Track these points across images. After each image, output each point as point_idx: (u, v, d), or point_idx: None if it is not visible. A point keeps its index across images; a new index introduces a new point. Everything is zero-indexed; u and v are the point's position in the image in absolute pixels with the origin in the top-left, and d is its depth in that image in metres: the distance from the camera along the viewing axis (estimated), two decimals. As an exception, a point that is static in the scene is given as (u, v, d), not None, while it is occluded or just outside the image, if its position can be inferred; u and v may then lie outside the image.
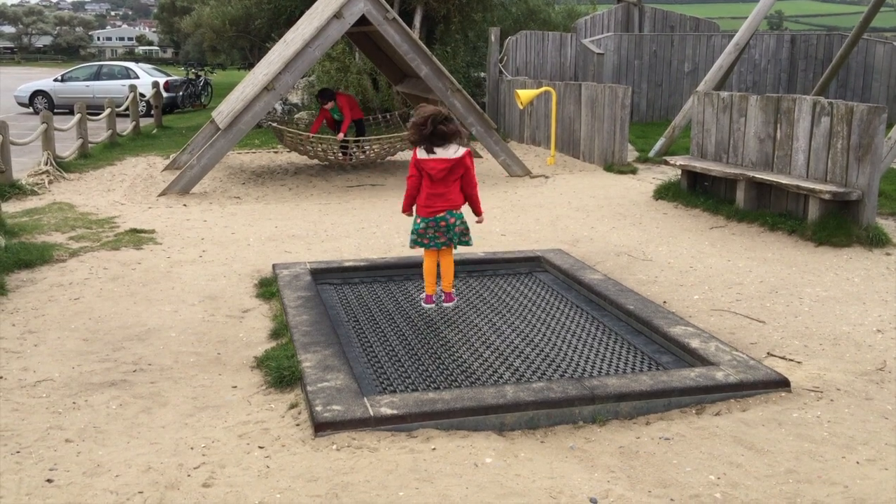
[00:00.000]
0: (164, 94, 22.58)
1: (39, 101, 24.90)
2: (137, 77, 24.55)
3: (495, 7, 22.09)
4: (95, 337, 5.49)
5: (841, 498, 3.52)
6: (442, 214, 5.67)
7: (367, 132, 14.01)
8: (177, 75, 28.22)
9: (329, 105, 12.70)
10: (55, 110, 22.01)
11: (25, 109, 25.12)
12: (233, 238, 8.36)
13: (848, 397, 4.53)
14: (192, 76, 27.34)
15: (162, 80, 23.94)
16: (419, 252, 7.66)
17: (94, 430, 4.14)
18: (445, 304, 5.89)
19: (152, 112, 20.51)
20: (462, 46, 19.47)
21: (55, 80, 25.83)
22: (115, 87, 23.80)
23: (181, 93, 25.80)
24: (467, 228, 5.81)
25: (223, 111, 12.79)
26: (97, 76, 25.57)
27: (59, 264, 7.22)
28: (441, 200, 5.64)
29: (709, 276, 6.90)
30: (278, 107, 19.75)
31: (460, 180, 5.66)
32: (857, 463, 3.82)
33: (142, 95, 20.92)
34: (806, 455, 3.90)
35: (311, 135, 12.43)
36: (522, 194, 10.79)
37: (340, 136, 12.35)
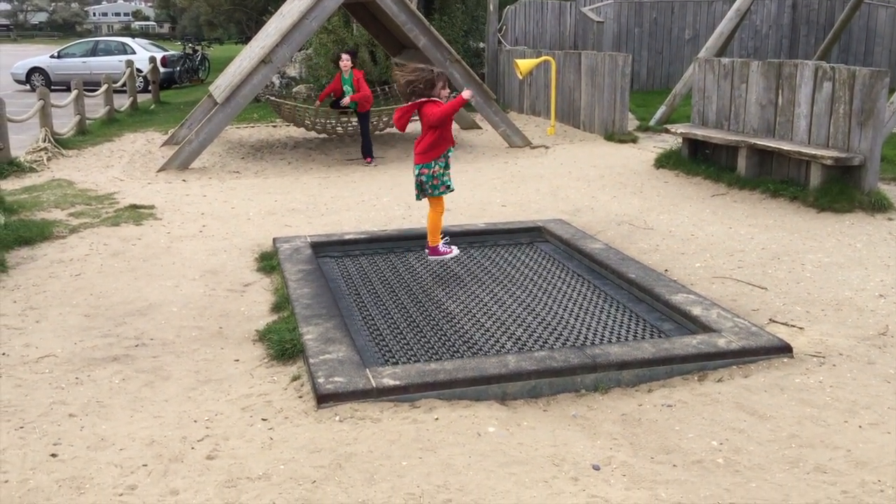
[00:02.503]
0: (162, 70, 22.43)
1: (36, 78, 24.75)
2: (134, 53, 24.38)
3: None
4: (97, 312, 5.50)
5: (843, 462, 3.53)
6: (416, 170, 5.99)
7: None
8: (174, 50, 28.03)
9: (347, 64, 11.03)
10: (52, 87, 21.87)
11: (22, 86, 24.98)
12: (232, 213, 8.34)
13: (850, 362, 4.53)
14: (189, 51, 27.15)
15: (159, 55, 23.77)
16: (418, 224, 7.67)
17: (97, 405, 4.15)
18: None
19: (149, 88, 20.39)
20: (460, 16, 19.29)
21: (52, 56, 25.67)
22: (111, 63, 23.63)
23: (178, 68, 25.64)
24: (432, 177, 5.89)
25: (220, 85, 12.70)
26: (94, 52, 25.40)
27: (59, 241, 7.21)
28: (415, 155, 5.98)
29: (710, 243, 6.88)
30: (276, 80, 19.62)
31: (430, 130, 5.83)
32: (860, 427, 3.83)
33: (139, 71, 20.79)
34: (808, 420, 3.90)
35: (308, 108, 12.35)
36: (523, 165, 10.74)
37: (347, 100, 11.12)
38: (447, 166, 5.93)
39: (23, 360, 4.73)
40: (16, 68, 25.63)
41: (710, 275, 6.09)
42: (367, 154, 11.39)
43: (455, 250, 6.04)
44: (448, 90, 5.87)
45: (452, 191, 6.04)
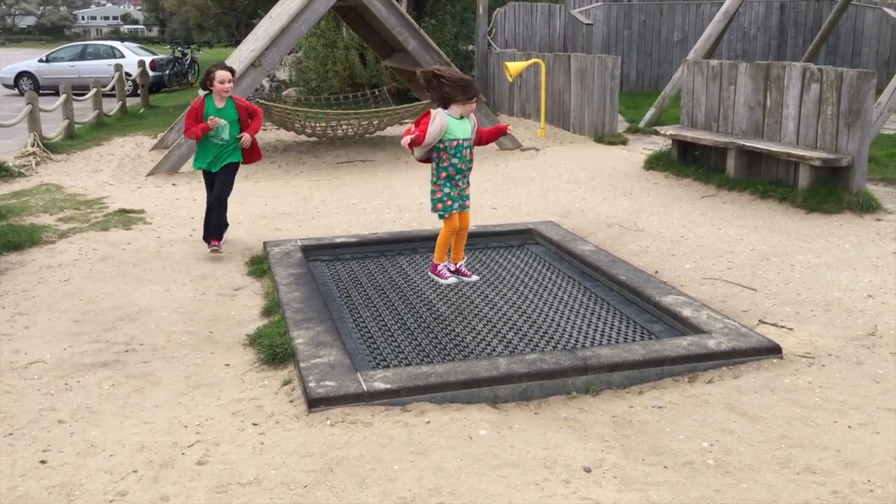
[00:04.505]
0: (151, 73, 22.37)
1: (24, 82, 24.64)
2: (123, 56, 24.31)
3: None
4: (86, 318, 5.47)
5: (833, 462, 3.54)
6: None
7: (355, 108, 13.87)
8: (163, 54, 27.95)
9: (227, 87, 6.81)
10: (40, 91, 21.76)
11: (10, 91, 24.86)
12: (223, 216, 8.31)
13: (839, 362, 4.55)
14: (178, 55, 27.09)
15: (148, 58, 23.70)
16: (409, 227, 7.65)
17: (86, 411, 4.14)
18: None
19: (138, 91, 20.33)
20: (450, 19, 19.31)
21: (40, 60, 25.55)
22: (100, 67, 23.55)
23: (167, 71, 25.58)
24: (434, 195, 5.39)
25: (210, 89, 12.67)
26: (82, 56, 25.30)
27: (48, 246, 7.18)
28: None
29: (700, 244, 6.90)
30: (266, 84, 19.61)
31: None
32: (849, 427, 3.84)
33: (128, 75, 20.72)
34: (798, 420, 3.92)
35: (299, 110, 12.34)
36: (513, 167, 10.75)
37: (246, 138, 6.88)
38: (451, 186, 5.27)
39: (12, 366, 4.70)
40: (4, 72, 25.49)
41: (700, 276, 6.11)
42: (220, 231, 7.06)
43: (451, 279, 5.50)
44: (474, 104, 5.23)
45: (443, 213, 5.34)
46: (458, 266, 5.56)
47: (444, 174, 5.24)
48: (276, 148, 13.10)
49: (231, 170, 7.01)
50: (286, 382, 4.41)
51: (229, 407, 4.16)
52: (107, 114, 16.53)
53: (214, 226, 7.00)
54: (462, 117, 5.22)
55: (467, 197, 5.38)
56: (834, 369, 4.47)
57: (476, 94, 5.22)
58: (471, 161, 5.32)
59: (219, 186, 7.03)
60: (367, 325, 5.26)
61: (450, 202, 5.28)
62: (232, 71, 6.89)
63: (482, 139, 5.41)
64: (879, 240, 6.84)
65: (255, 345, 4.92)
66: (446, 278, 5.43)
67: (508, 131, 5.47)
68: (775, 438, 3.76)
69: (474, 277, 5.63)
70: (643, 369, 4.42)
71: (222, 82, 6.76)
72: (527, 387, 4.25)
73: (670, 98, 13.47)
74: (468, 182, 5.38)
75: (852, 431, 3.80)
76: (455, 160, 5.22)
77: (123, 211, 8.47)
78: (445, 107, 5.18)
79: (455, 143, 5.17)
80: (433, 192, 5.34)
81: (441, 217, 5.37)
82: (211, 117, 6.73)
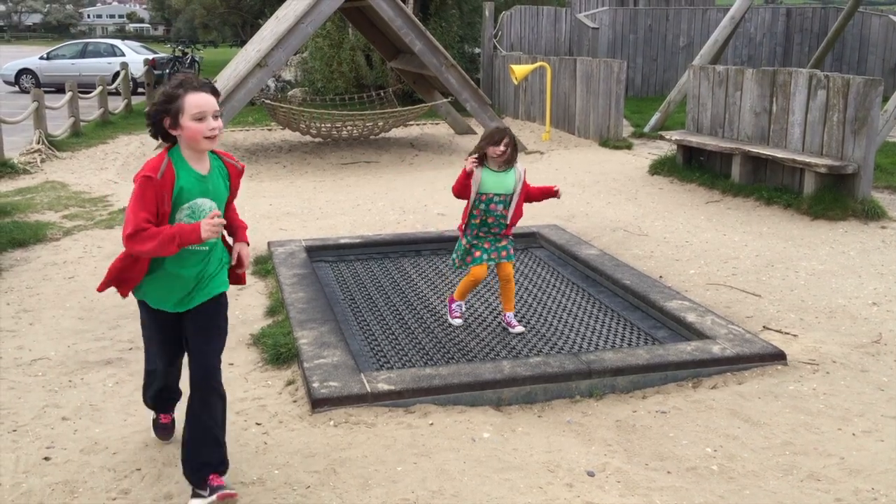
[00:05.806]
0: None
1: (25, 80, 24.65)
2: (123, 55, 24.30)
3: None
4: (91, 315, 5.48)
5: (837, 469, 3.54)
6: None
7: (360, 109, 13.87)
8: (164, 53, 27.93)
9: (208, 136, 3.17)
10: (41, 89, 21.79)
11: (11, 88, 24.87)
12: (227, 216, 8.31)
13: (844, 370, 4.54)
14: (178, 54, 27.10)
15: (149, 57, 23.71)
16: (413, 229, 7.64)
17: (90, 408, 4.14)
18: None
19: (139, 90, 20.31)
20: (456, 21, 19.33)
21: (41, 58, 25.57)
22: (101, 65, 23.54)
23: (167, 70, 25.59)
24: (458, 249, 5.20)
25: (216, 88, 12.69)
26: (83, 54, 25.31)
27: (52, 243, 7.19)
28: None
29: (705, 250, 6.89)
30: (271, 84, 19.63)
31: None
32: (853, 435, 3.84)
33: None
34: (802, 427, 3.91)
35: (304, 111, 12.36)
36: (517, 170, 10.75)
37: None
38: (478, 240, 5.05)
39: (16, 362, 4.71)
40: (4, 69, 25.49)
41: (705, 281, 6.11)
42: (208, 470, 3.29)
43: (458, 322, 5.22)
44: (500, 147, 4.93)
45: (465, 266, 5.15)
46: (507, 317, 5.20)
47: (470, 229, 5.06)
48: (280, 148, 13.11)
49: (220, 307, 3.39)
50: (290, 382, 4.41)
51: (233, 406, 4.15)
52: (112, 112, 16.55)
53: (192, 461, 3.22)
54: (502, 171, 4.98)
55: (504, 248, 5.05)
56: (838, 376, 4.46)
57: (497, 139, 4.93)
58: (504, 217, 5.00)
59: (204, 345, 3.27)
60: (370, 326, 5.26)
61: (478, 253, 5.03)
62: (216, 92, 3.20)
63: (532, 196, 5.18)
64: (884, 247, 6.83)
65: (259, 344, 4.92)
66: (454, 317, 5.22)
67: (556, 190, 5.20)
68: (779, 445, 3.75)
69: (520, 329, 5.13)
70: (647, 374, 4.41)
71: (202, 118, 3.10)
72: (530, 390, 4.25)
73: (676, 103, 13.47)
74: (500, 237, 5.07)
75: (856, 439, 3.80)
76: (484, 215, 4.99)
77: (128, 209, 8.47)
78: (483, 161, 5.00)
79: (485, 196, 4.95)
80: (458, 242, 5.16)
81: (458, 268, 5.22)
82: (212, 219, 3.12)
